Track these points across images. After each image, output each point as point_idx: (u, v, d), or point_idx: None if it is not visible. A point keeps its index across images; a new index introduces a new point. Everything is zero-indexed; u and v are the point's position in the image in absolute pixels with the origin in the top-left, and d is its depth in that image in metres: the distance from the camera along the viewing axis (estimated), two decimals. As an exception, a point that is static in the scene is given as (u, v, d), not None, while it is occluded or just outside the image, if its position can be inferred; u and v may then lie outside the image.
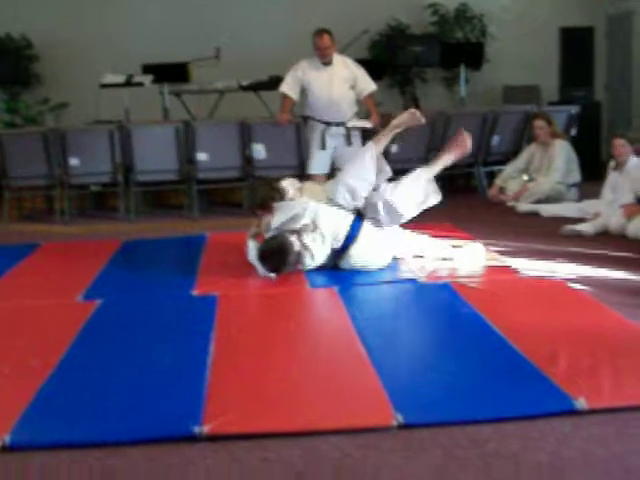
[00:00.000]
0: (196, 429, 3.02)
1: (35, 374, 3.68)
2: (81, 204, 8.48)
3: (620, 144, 6.81)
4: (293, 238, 5.16)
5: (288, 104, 7.72)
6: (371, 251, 5.33)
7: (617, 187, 6.78)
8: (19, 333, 4.36)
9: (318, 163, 7.75)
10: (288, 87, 7.62)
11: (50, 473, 2.86)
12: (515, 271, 5.33)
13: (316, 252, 5.21)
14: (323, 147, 7.64)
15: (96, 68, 9.32)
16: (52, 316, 4.65)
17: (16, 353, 4.01)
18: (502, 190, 8.31)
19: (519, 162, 8.34)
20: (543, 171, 8.07)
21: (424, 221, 6.49)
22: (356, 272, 5.30)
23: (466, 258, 5.54)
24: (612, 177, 6.93)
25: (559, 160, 7.97)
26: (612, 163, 7.00)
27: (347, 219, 5.32)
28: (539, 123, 8.10)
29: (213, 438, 3.01)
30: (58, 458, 2.96)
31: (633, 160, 6.71)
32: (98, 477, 2.83)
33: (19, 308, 4.86)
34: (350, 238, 5.25)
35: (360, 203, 5.45)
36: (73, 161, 7.92)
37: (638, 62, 10.77)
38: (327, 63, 7.51)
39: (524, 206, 7.68)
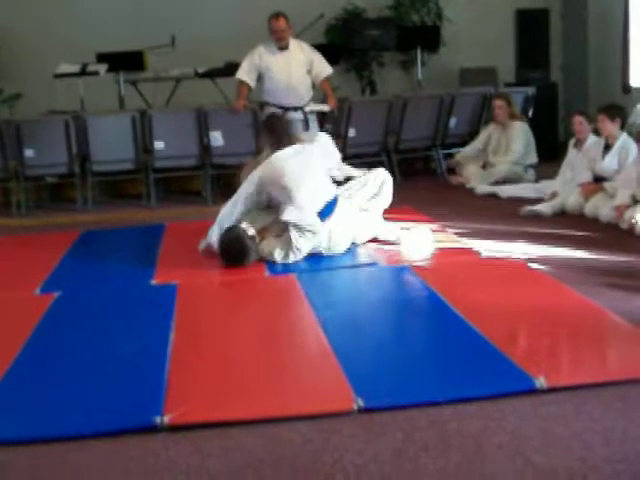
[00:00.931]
0: (157, 419, 3.01)
1: (-9, 369, 3.64)
2: (37, 196, 8.36)
3: (579, 121, 6.85)
4: (244, 225, 5.18)
5: (244, 91, 7.67)
6: (340, 231, 5.33)
7: (575, 165, 6.83)
8: (-26, 328, 4.30)
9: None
10: (244, 73, 7.57)
11: (10, 472, 2.83)
12: (474, 252, 5.35)
13: (303, 247, 5.21)
14: (281, 133, 7.61)
15: (50, 58, 9.18)
16: (9, 310, 4.60)
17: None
18: (458, 170, 8.35)
19: (477, 142, 8.36)
20: (501, 151, 8.10)
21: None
22: (315, 258, 5.29)
23: (413, 242, 5.55)
24: (571, 154, 6.98)
25: (518, 142, 8.00)
26: (572, 140, 7.04)
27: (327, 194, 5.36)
28: (499, 102, 8.12)
29: (174, 428, 3.01)
30: (18, 454, 2.93)
31: (592, 138, 6.75)
32: (60, 473, 2.81)
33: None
34: (324, 214, 5.25)
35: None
36: (28, 152, 7.79)
37: (593, 43, 10.84)
38: (284, 48, 7.47)
39: (482, 187, 7.71)
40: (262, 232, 5.32)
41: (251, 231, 5.19)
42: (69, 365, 3.71)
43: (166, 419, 3.02)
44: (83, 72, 8.73)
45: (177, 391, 3.27)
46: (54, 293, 4.79)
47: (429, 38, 10.61)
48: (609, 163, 6.44)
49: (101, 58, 8.98)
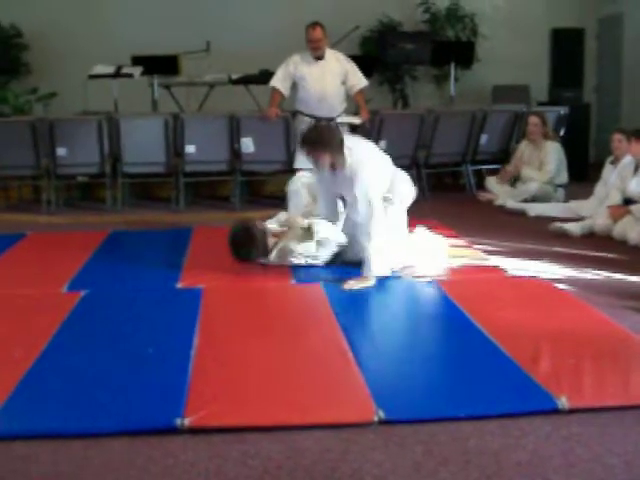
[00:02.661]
0: (178, 421, 3.02)
1: (18, 364, 3.66)
2: (68, 194, 8.44)
3: (618, 139, 6.89)
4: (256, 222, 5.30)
5: (277, 98, 7.70)
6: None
7: (609, 182, 6.83)
8: (3, 322, 4.34)
9: (305, 158, 7.71)
10: (278, 81, 7.60)
11: (31, 464, 2.85)
12: (501, 270, 5.34)
13: (323, 255, 5.33)
14: (311, 142, 7.61)
15: (86, 58, 9.28)
16: (36, 306, 4.64)
17: (-1, 342, 4.00)
18: (486, 187, 8.34)
19: (516, 160, 8.30)
20: (532, 169, 8.06)
21: (409, 218, 6.49)
22: (342, 269, 5.30)
23: (428, 255, 5.46)
24: (607, 171, 6.98)
25: (551, 162, 7.96)
26: (610, 158, 7.04)
27: None
28: (534, 120, 8.10)
29: (194, 431, 3.01)
30: (40, 448, 2.95)
31: (628, 158, 6.73)
32: (80, 469, 2.82)
33: (3, 297, 4.84)
34: None
35: None
36: (60, 151, 7.88)
37: (628, 65, 10.81)
38: (319, 57, 7.49)
39: (511, 204, 7.69)
40: (279, 234, 5.36)
41: (264, 226, 5.23)
42: (93, 363, 3.73)
43: (187, 421, 3.03)
44: (117, 74, 8.82)
45: (198, 394, 3.28)
46: (81, 292, 4.83)
47: (463, 54, 10.61)
48: (636, 185, 6.42)
49: (136, 61, 9.06)
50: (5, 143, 7.98)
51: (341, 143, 5.19)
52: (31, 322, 4.33)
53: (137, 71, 8.89)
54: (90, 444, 2.98)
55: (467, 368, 3.61)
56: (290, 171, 7.91)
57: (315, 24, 7.39)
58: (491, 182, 8.34)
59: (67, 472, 2.81)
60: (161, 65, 9.23)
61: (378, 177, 5.22)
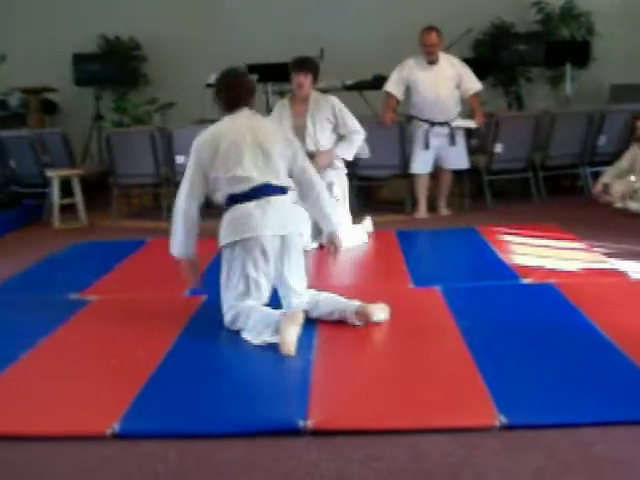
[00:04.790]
0: (301, 423, 3.07)
1: (143, 365, 3.79)
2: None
3: None
4: None
5: (392, 103, 7.71)
6: None
7: None
8: (128, 325, 4.49)
9: (421, 162, 7.71)
10: (393, 86, 7.61)
11: (158, 461, 2.95)
12: (622, 273, 5.21)
13: None
14: (426, 147, 7.60)
15: (202, 68, 9.46)
16: (159, 309, 4.78)
17: (124, 345, 4.14)
18: (606, 190, 8.10)
19: (623, 163, 8.07)
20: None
21: (527, 221, 6.44)
22: (459, 271, 5.27)
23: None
24: None
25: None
26: None
27: None
28: None
29: (317, 433, 3.05)
30: (166, 447, 3.05)
31: None
32: (205, 468, 2.90)
33: (127, 301, 5.02)
34: None
35: None
36: (179, 159, 8.07)
37: None
38: (433, 62, 7.47)
39: (635, 206, 7.47)
40: None
41: None
42: (215, 365, 3.83)
43: (309, 423, 3.07)
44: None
45: (320, 397, 3.33)
46: (202, 295, 4.94)
47: (579, 53, 10.38)
48: None
49: (252, 69, 9.19)
50: (126, 152, 8.24)
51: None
52: (155, 325, 4.46)
53: (253, 79, 9.02)
54: (215, 444, 3.05)
55: (590, 373, 3.54)
56: (405, 176, 7.93)
57: (430, 28, 7.38)
58: (615, 184, 8.08)
59: (193, 471, 2.89)
60: (275, 73, 9.34)
61: None
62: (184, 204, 4.36)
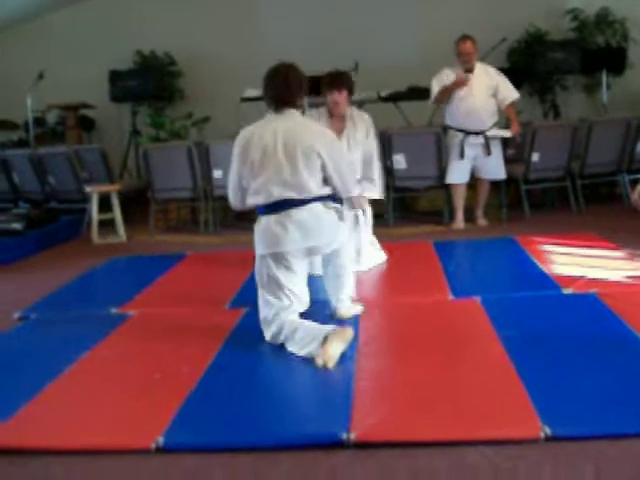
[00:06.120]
0: (344, 435, 3.06)
1: (185, 379, 3.80)
2: (224, 215, 8.67)
3: None
4: None
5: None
6: None
7: None
8: (169, 339, 4.50)
9: (457, 173, 7.70)
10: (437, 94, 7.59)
11: (202, 475, 2.95)
12: (665, 282, 5.16)
13: None
14: (462, 156, 7.58)
15: (237, 82, 9.53)
16: (200, 323, 4.79)
17: (167, 359, 4.16)
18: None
19: None
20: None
21: (566, 231, 6.38)
22: (498, 282, 5.25)
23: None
24: None
25: None
26: None
27: None
28: None
29: (360, 445, 3.04)
30: (209, 461, 3.05)
31: None
32: (249, 481, 2.90)
33: (168, 315, 5.05)
34: None
35: None
36: (217, 173, 8.12)
37: None
38: (469, 70, 7.46)
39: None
40: None
41: None
42: (257, 378, 3.84)
43: (352, 435, 3.06)
44: (269, 96, 8.99)
45: (363, 409, 3.32)
46: (242, 309, 4.96)
47: (614, 60, 10.34)
48: None
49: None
50: (164, 167, 8.31)
51: None
52: (196, 338, 4.46)
53: (288, 93, 9.05)
54: (258, 458, 3.04)
55: (634, 383, 3.49)
56: (442, 186, 7.90)
57: (466, 37, 7.37)
58: None
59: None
60: (312, 86, 9.36)
61: None
62: (235, 203, 4.51)
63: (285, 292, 4.27)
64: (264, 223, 4.28)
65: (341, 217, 4.45)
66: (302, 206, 4.23)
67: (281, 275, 4.26)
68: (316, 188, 4.27)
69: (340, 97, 5.78)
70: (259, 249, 4.32)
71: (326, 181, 4.33)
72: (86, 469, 3.05)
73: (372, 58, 9.98)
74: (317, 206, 4.29)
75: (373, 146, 6.03)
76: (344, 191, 4.43)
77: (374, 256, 6.07)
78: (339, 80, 5.83)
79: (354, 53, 9.48)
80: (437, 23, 10.62)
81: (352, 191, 4.59)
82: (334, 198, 4.40)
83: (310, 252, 4.33)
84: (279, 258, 4.24)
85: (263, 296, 4.34)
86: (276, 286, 4.28)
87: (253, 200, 4.31)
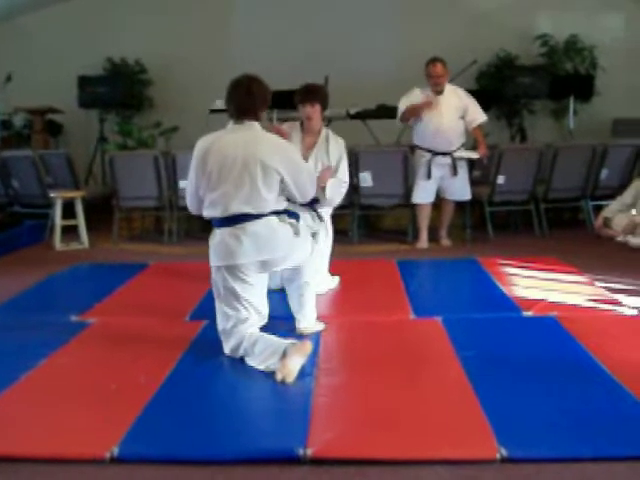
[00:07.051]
0: (300, 451, 3.05)
1: (143, 390, 3.77)
2: (188, 226, 8.63)
3: None
4: None
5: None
6: None
7: None
8: (128, 349, 4.48)
9: (423, 192, 7.72)
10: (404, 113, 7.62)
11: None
12: (623, 307, 5.20)
13: None
14: (428, 177, 7.61)
15: (207, 93, 9.51)
16: (160, 334, 4.76)
17: (125, 369, 4.13)
18: (607, 224, 8.10)
19: (626, 197, 8.09)
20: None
21: (529, 253, 6.42)
22: (460, 303, 5.27)
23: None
24: None
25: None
26: None
27: None
28: None
29: (316, 461, 3.03)
30: (164, 473, 3.03)
31: None
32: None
33: (128, 324, 5.01)
34: None
35: None
36: (182, 183, 8.06)
37: None
38: (439, 92, 7.49)
39: (636, 241, 7.48)
40: None
41: None
42: (215, 391, 3.81)
43: (309, 451, 3.06)
44: (238, 108, 8.98)
45: (320, 425, 3.31)
46: (202, 321, 4.94)
47: (582, 87, 10.50)
48: None
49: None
50: (129, 175, 8.26)
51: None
52: (155, 349, 4.44)
53: (257, 106, 9.05)
54: (213, 472, 3.03)
55: (591, 407, 3.52)
56: (407, 205, 7.93)
57: (436, 60, 7.40)
58: (617, 218, 8.07)
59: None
60: (280, 100, 9.35)
61: None
62: (192, 209, 4.52)
63: (242, 303, 4.26)
64: (219, 236, 4.27)
65: (297, 232, 4.44)
66: (257, 220, 4.23)
67: (237, 286, 4.25)
68: (273, 203, 4.27)
69: (312, 111, 5.70)
70: (213, 261, 4.31)
71: (283, 191, 4.34)
72: (35, 477, 3.01)
73: (342, 75, 10.00)
74: (272, 219, 4.29)
75: (341, 171, 5.70)
76: (302, 198, 4.49)
77: (326, 282, 5.96)
78: (312, 94, 5.76)
79: (325, 68, 9.51)
80: (409, 43, 10.70)
81: (309, 198, 4.59)
82: (290, 213, 4.41)
83: (264, 266, 4.31)
84: (234, 270, 4.23)
85: (220, 308, 4.33)
86: (233, 297, 4.26)
87: (209, 212, 4.30)
